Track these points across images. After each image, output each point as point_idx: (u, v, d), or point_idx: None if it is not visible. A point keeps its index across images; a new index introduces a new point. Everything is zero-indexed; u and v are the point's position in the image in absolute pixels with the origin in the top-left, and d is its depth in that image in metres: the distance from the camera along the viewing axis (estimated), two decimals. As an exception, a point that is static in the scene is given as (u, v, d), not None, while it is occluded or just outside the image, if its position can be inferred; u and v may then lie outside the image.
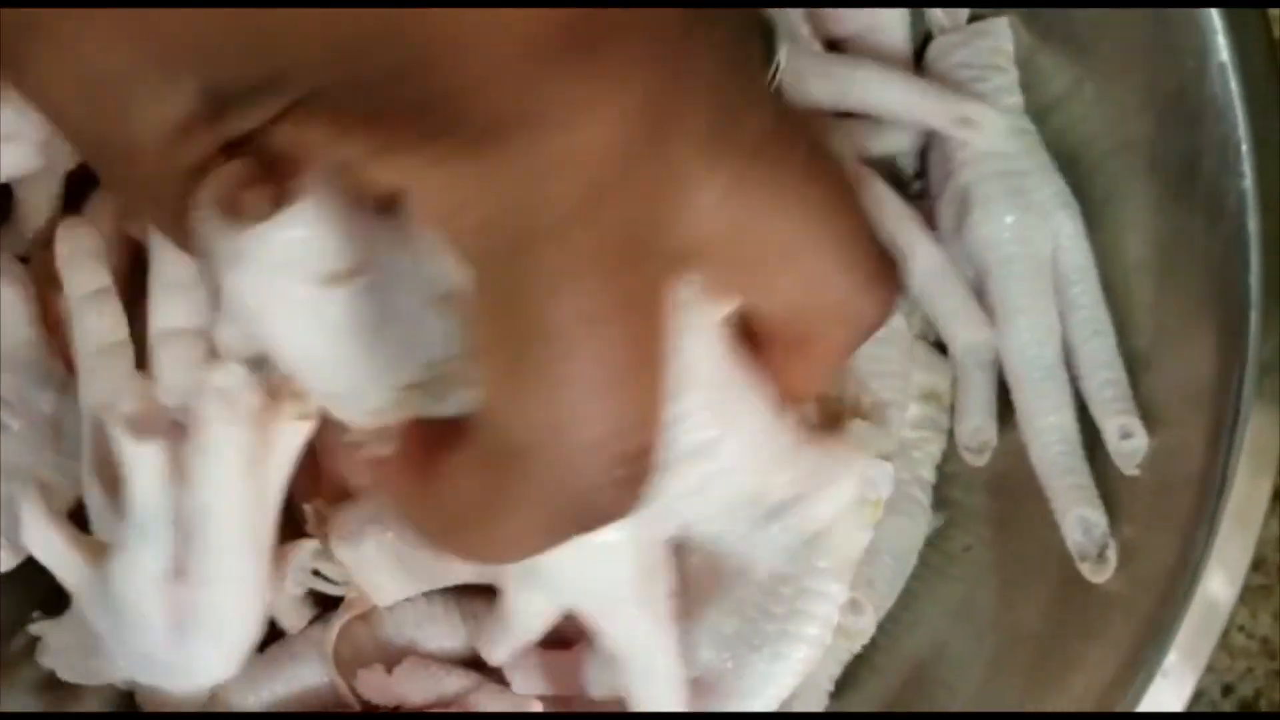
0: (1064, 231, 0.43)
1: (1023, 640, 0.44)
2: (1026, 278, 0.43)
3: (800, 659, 0.39)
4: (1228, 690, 0.57)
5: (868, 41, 0.45)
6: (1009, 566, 0.45)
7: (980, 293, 0.44)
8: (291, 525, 0.45)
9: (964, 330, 0.44)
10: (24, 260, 0.42)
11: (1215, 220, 0.40)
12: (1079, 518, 0.42)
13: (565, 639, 0.42)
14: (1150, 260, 0.42)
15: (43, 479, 0.41)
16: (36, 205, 0.43)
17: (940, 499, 0.47)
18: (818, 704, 0.44)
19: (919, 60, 0.46)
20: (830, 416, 0.41)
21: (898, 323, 0.44)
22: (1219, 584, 0.39)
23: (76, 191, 0.44)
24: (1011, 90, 0.44)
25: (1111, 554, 0.42)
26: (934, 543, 0.47)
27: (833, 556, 0.39)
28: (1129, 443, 0.42)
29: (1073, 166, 0.44)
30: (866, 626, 0.42)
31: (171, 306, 0.41)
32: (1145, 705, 0.39)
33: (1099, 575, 0.42)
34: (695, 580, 0.40)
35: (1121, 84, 0.42)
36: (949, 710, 0.45)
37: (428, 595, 0.42)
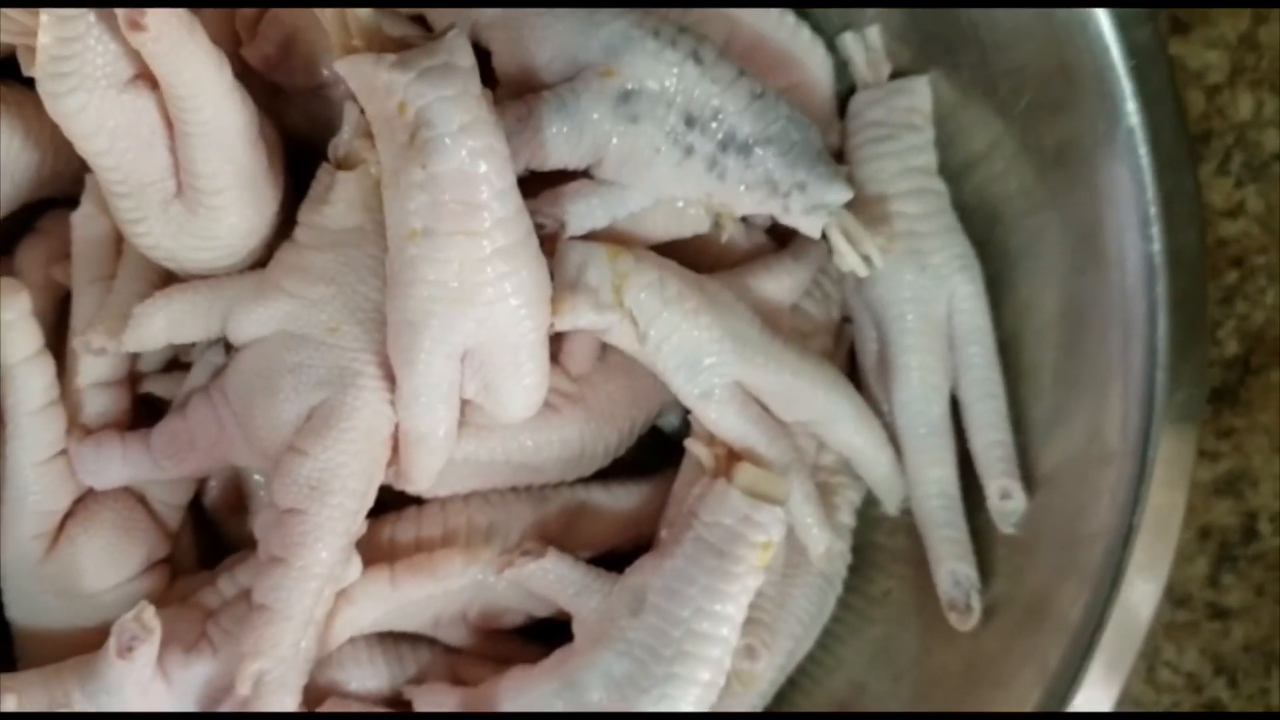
0: (961, 293, 0.44)
1: (939, 684, 0.45)
2: (920, 335, 0.44)
3: (690, 702, 0.39)
4: (1152, 725, 0.58)
5: (795, 96, 0.45)
6: (928, 610, 0.45)
7: (879, 343, 0.45)
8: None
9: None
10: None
11: (1125, 280, 0.41)
12: (949, 570, 0.44)
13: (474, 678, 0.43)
14: (1062, 318, 0.43)
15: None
16: (-33, 252, 0.43)
17: (861, 543, 0.47)
18: (728, 750, 0.44)
19: (842, 113, 0.46)
20: (723, 460, 0.42)
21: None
22: (1126, 632, 0.40)
23: (6, 237, 0.45)
24: (923, 150, 0.44)
25: (976, 605, 0.43)
26: (854, 586, 0.47)
27: (725, 600, 0.39)
28: (1008, 503, 0.43)
29: (992, 223, 0.45)
30: (763, 672, 0.43)
31: (95, 361, 0.41)
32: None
33: (964, 625, 0.43)
34: (587, 622, 0.41)
35: (1038, 143, 0.43)
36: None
37: (351, 638, 0.43)
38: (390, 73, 0.34)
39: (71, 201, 0.44)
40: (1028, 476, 0.44)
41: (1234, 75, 0.57)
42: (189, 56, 0.35)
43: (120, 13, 0.34)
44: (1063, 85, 0.41)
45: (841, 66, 0.46)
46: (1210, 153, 0.57)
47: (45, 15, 0.35)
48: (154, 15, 0.34)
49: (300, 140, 0.42)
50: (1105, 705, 0.40)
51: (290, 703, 0.40)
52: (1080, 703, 0.40)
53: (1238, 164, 0.57)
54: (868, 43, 0.45)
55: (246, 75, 0.39)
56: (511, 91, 0.39)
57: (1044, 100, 0.42)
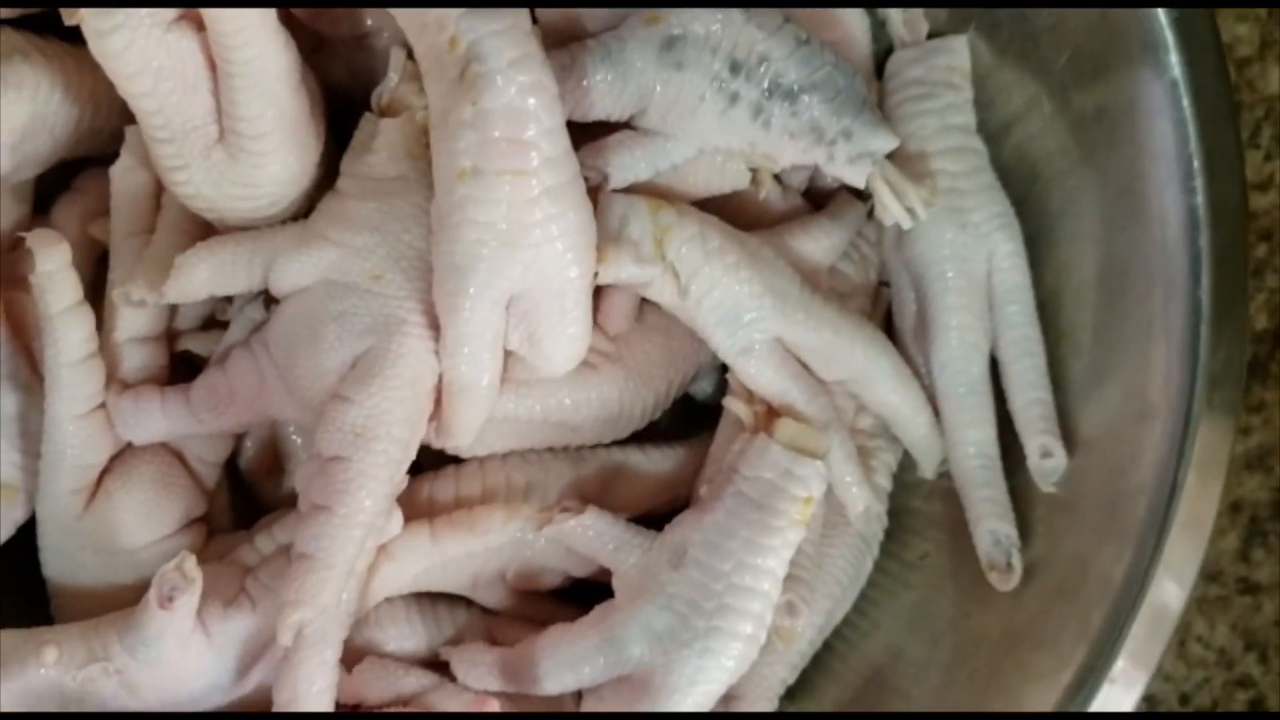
0: (1001, 251, 0.44)
1: (978, 647, 0.45)
2: (960, 294, 0.44)
3: (732, 656, 0.39)
4: (1185, 699, 0.57)
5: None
6: (965, 574, 0.45)
7: (917, 303, 0.45)
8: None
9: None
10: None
11: (1166, 235, 0.40)
12: (989, 530, 0.43)
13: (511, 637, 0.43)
14: (1102, 275, 0.43)
15: (9, 483, 0.41)
16: (4, 208, 0.43)
17: (897, 507, 0.47)
18: (767, 707, 0.44)
19: (879, 72, 0.46)
20: (763, 416, 0.42)
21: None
22: (1169, 592, 0.40)
23: (44, 194, 0.45)
24: (962, 109, 0.44)
25: (1017, 564, 0.43)
26: (891, 550, 0.47)
27: (766, 554, 0.39)
28: (1049, 461, 0.43)
29: (1031, 181, 0.45)
30: (803, 630, 0.43)
31: (134, 315, 0.41)
32: (1096, 708, 0.40)
33: (1005, 584, 0.43)
34: (628, 577, 0.41)
35: (1077, 100, 0.43)
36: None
37: (388, 598, 0.43)
38: (443, 10, 0.34)
39: (107, 160, 0.44)
40: (1068, 435, 0.44)
41: (1264, 48, 0.57)
42: None
43: None
44: (1104, 39, 0.41)
45: (878, 26, 0.46)
46: (1240, 126, 0.57)
47: None
48: None
49: (341, 93, 0.42)
50: (1148, 667, 0.40)
51: (330, 656, 0.39)
52: (1123, 665, 0.40)
53: (1268, 137, 0.57)
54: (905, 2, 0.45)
55: (288, 24, 0.38)
56: (554, 40, 0.39)
57: (1085, 55, 0.42)
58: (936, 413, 0.45)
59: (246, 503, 0.47)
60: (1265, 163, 0.57)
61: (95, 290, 0.43)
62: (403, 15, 0.35)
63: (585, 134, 0.41)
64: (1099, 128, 0.42)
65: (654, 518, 0.45)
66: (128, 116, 0.41)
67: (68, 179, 0.45)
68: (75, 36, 0.38)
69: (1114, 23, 0.41)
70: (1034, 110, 0.44)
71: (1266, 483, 0.57)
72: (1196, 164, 0.40)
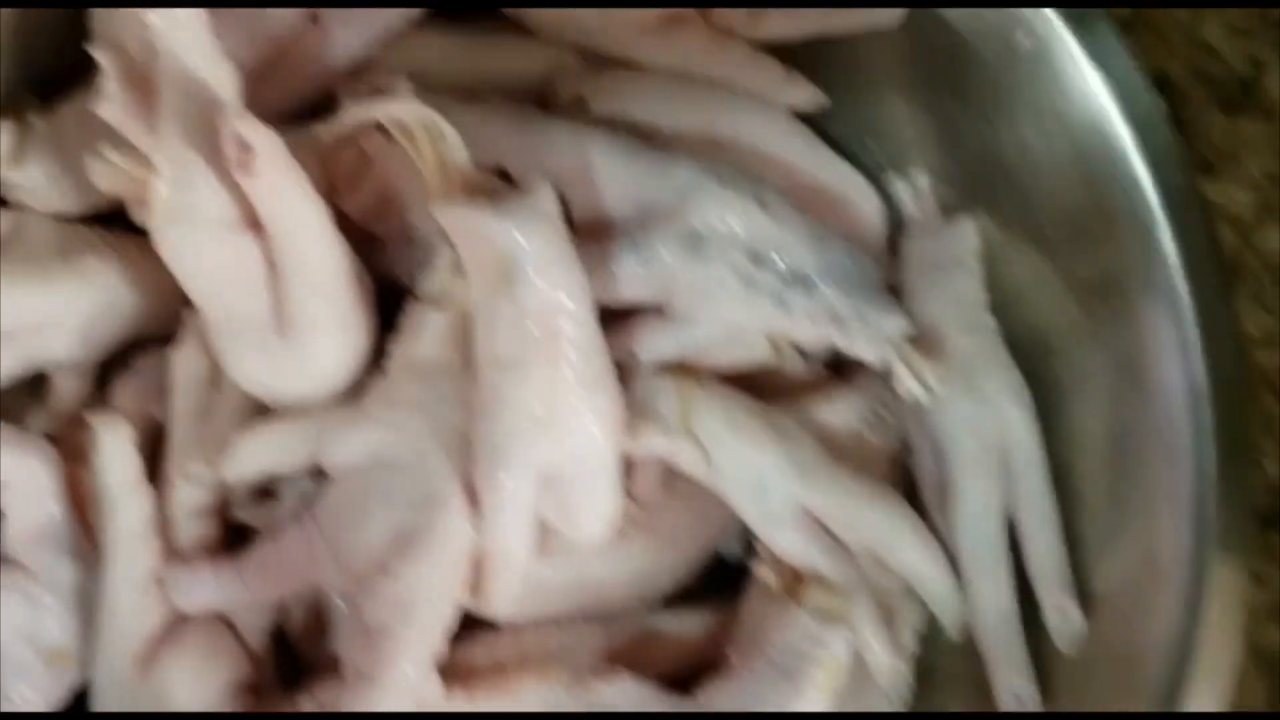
0: (1015, 425, 0.46)
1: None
2: (977, 463, 0.46)
3: None
4: None
5: (849, 234, 0.47)
6: (990, 734, 0.46)
7: (938, 469, 0.47)
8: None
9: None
10: (52, 439, 0.45)
11: (1170, 407, 0.42)
12: (1011, 688, 0.45)
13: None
14: (1110, 445, 0.45)
15: (66, 650, 0.43)
16: (69, 388, 0.46)
17: (923, 664, 0.48)
18: None
19: (893, 248, 0.49)
20: (790, 582, 0.43)
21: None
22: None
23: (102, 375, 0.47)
24: (973, 286, 0.47)
25: None
26: (917, 709, 0.48)
27: None
28: (1066, 623, 0.44)
29: (1042, 354, 0.47)
30: None
31: (190, 490, 0.44)
32: None
33: None
34: None
35: (1080, 274, 0.45)
36: None
37: None
38: (486, 219, 0.37)
39: (164, 339, 0.46)
40: (1083, 593, 0.45)
41: (1263, 212, 0.59)
42: (292, 201, 0.39)
43: (232, 157, 0.38)
44: (1098, 216, 0.43)
45: (891, 204, 0.49)
46: (1244, 285, 0.59)
47: (161, 163, 0.38)
48: (262, 159, 0.38)
49: (387, 279, 0.45)
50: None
51: None
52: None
53: (1273, 296, 0.59)
54: (915, 185, 0.48)
55: (341, 224, 0.42)
56: (584, 233, 0.42)
57: (1083, 231, 0.44)
58: (958, 574, 0.47)
59: (290, 662, 0.48)
60: (1273, 320, 0.59)
61: (151, 464, 0.45)
62: (448, 221, 0.38)
63: (616, 316, 0.44)
64: (1102, 304, 0.44)
65: (682, 680, 0.46)
66: (186, 300, 0.43)
67: (124, 355, 0.48)
68: (139, 229, 0.42)
69: (1105, 200, 0.43)
70: (1041, 285, 0.46)
71: (1289, 633, 0.58)
72: (1194, 341, 0.41)
